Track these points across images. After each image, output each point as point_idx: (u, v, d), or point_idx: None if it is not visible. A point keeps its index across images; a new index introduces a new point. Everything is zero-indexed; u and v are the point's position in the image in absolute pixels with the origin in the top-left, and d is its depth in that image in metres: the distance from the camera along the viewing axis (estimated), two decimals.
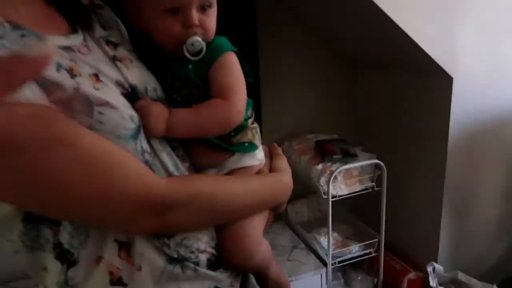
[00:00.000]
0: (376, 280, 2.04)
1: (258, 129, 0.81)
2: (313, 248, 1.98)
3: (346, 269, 2.12)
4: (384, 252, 1.98)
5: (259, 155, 0.80)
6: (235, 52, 0.74)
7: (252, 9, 1.85)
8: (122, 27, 0.75)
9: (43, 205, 0.55)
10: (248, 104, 0.77)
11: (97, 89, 0.57)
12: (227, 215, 0.71)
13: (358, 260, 1.96)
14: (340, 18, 1.81)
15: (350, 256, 1.92)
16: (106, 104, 0.56)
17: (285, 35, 2.08)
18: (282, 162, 0.84)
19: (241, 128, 0.76)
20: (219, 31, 0.75)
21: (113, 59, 0.65)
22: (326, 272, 1.85)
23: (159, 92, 0.70)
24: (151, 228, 0.61)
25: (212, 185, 0.68)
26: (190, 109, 0.69)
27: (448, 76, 1.61)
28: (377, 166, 1.84)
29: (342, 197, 1.79)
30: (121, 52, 0.68)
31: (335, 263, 1.87)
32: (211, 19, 0.71)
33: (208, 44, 0.71)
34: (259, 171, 0.79)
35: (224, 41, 0.74)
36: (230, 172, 0.77)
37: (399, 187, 2.01)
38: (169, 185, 0.61)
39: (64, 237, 0.59)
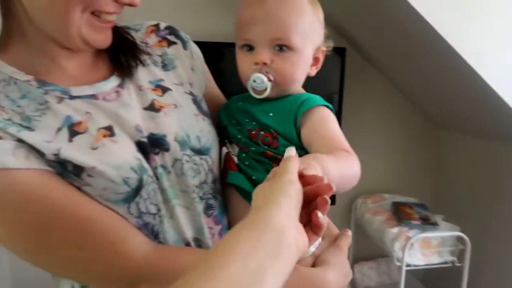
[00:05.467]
0: None
1: None
2: None
3: None
4: None
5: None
6: (329, 108, 0.69)
7: (341, 64, 1.86)
8: (197, 63, 0.76)
9: (30, 259, 0.58)
10: None
11: (95, 148, 0.57)
12: None
13: None
14: (428, 78, 1.75)
15: None
16: (93, 168, 0.56)
17: (370, 89, 2.06)
18: (335, 256, 0.68)
19: None
20: (303, 84, 0.72)
21: (150, 107, 0.65)
22: None
23: (203, 140, 0.67)
24: None
25: None
26: (335, 157, 0.58)
27: None
28: (459, 239, 1.69)
29: (417, 267, 1.66)
30: (168, 97, 0.67)
31: None
32: (287, 62, 0.66)
33: (294, 97, 0.68)
34: (299, 261, 0.66)
35: (316, 96, 0.70)
36: None
37: (484, 266, 1.81)
38: (145, 257, 0.58)
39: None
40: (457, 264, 1.67)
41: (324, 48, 0.72)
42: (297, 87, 0.71)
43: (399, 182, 2.17)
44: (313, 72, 0.72)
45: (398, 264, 1.62)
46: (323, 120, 0.65)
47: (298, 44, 0.66)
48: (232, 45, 0.73)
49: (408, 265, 1.62)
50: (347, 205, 2.10)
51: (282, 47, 0.66)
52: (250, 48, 0.67)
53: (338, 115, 1.88)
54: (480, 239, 1.78)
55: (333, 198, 1.93)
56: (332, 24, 1.90)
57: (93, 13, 0.59)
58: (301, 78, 0.70)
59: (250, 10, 0.67)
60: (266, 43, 0.66)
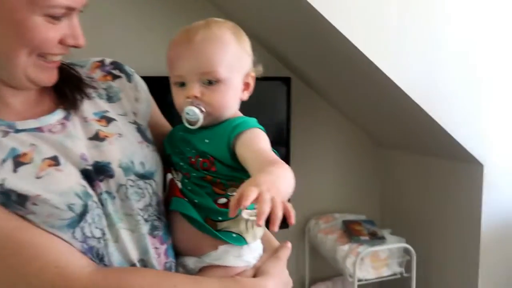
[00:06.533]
0: None
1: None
2: None
3: None
4: None
5: (248, 256, 0.72)
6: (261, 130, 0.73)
7: (287, 93, 1.95)
8: (142, 94, 0.79)
9: None
10: None
11: (39, 177, 0.60)
12: None
13: None
14: (369, 103, 1.89)
15: None
16: (38, 196, 0.58)
17: (315, 116, 2.17)
18: (275, 266, 0.74)
19: None
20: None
21: (95, 137, 0.68)
22: None
23: (147, 166, 0.71)
24: None
25: (149, 285, 0.63)
26: (276, 170, 0.61)
27: (478, 162, 1.60)
28: (406, 251, 1.78)
29: (369, 282, 1.73)
30: (112, 127, 0.71)
31: None
32: (217, 94, 0.71)
33: (228, 122, 0.72)
34: (241, 273, 0.71)
35: (249, 119, 0.74)
36: (207, 268, 0.71)
37: (430, 275, 1.91)
38: (91, 279, 0.60)
39: None
40: (405, 275, 1.76)
41: (253, 74, 0.77)
42: (231, 113, 0.75)
43: (349, 202, 2.25)
44: (246, 96, 0.77)
45: (350, 280, 1.69)
46: (254, 138, 0.69)
47: (225, 76, 0.71)
48: None
49: (359, 280, 1.69)
50: (300, 228, 2.15)
51: (211, 81, 0.70)
52: (182, 84, 0.72)
53: (287, 142, 1.96)
54: (425, 249, 1.89)
55: (285, 221, 1.98)
56: (276, 55, 2.00)
57: (39, 54, 0.62)
58: (232, 105, 0.74)
59: (178, 49, 0.72)
60: (195, 78, 0.70)
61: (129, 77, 0.79)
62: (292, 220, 0.53)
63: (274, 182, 0.56)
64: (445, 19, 1.48)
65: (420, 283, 1.80)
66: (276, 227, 0.51)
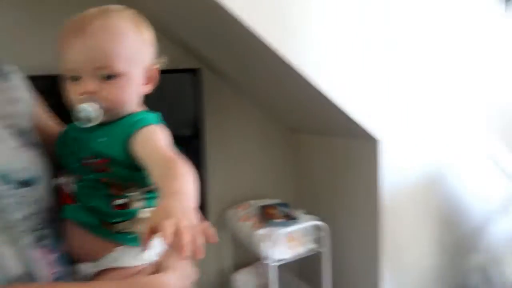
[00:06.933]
0: None
1: None
2: None
3: None
4: None
5: (147, 254, 0.69)
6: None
7: (197, 85, 1.93)
8: (20, 94, 0.72)
9: None
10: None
11: None
12: None
13: None
14: (276, 90, 1.95)
15: None
16: None
17: (228, 106, 2.19)
18: (175, 259, 0.72)
19: (128, 215, 0.66)
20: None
21: None
22: None
23: (28, 172, 0.65)
24: None
25: None
26: (178, 183, 0.56)
27: (373, 138, 1.74)
28: (319, 227, 1.88)
29: (287, 261, 1.80)
30: None
31: None
32: (115, 89, 0.65)
33: (127, 119, 0.67)
34: (141, 271, 0.69)
35: (148, 116, 0.69)
36: (105, 271, 0.68)
37: (342, 246, 2.04)
38: None
39: None
40: (320, 250, 1.86)
41: (156, 66, 0.72)
42: (132, 108, 0.70)
43: (266, 188, 2.32)
44: (148, 90, 0.72)
45: (266, 262, 1.74)
46: (151, 136, 0.65)
47: (123, 70, 0.65)
48: None
49: (278, 261, 1.75)
50: (220, 218, 2.17)
51: (110, 76, 0.65)
52: (76, 78, 0.65)
53: (200, 135, 1.93)
54: (336, 224, 1.99)
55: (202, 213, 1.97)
56: (182, 45, 1.97)
57: None
58: (132, 100, 0.69)
59: (70, 39, 0.65)
60: (90, 72, 0.64)
61: (4, 77, 0.71)
62: (215, 238, 0.50)
63: (185, 205, 0.51)
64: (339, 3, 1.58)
65: (335, 255, 1.91)
66: (201, 255, 0.47)
